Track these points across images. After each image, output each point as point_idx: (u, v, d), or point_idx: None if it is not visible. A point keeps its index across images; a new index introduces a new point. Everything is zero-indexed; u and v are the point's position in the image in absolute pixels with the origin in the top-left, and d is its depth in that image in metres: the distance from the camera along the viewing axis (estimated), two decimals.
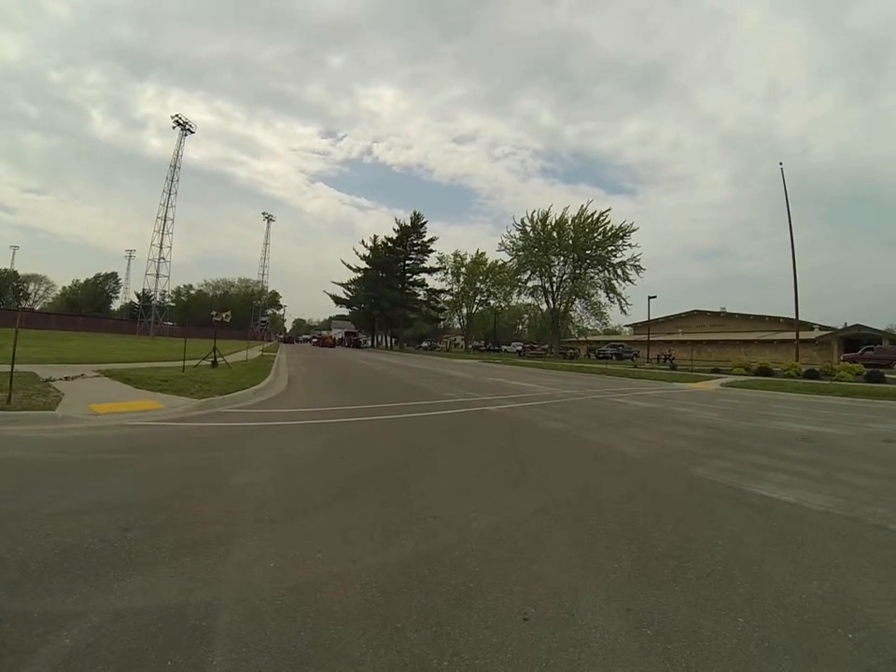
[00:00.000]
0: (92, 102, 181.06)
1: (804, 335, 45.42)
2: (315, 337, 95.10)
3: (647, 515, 4.49)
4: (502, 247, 68.96)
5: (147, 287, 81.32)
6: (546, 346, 67.81)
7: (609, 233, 61.02)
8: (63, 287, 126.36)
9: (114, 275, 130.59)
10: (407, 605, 2.77)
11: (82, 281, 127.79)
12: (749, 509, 4.78)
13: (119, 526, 3.62)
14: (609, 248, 61.37)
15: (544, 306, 70.74)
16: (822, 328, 61.02)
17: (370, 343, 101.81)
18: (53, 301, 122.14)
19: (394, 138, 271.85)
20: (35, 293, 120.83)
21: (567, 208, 65.31)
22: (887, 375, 23.40)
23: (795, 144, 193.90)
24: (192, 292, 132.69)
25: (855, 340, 51.36)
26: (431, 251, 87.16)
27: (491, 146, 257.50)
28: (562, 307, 65.99)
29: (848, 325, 57.09)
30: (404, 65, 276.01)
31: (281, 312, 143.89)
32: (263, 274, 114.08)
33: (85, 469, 5.27)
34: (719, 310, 75.89)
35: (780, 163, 37.68)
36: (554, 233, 64.12)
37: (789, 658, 2.40)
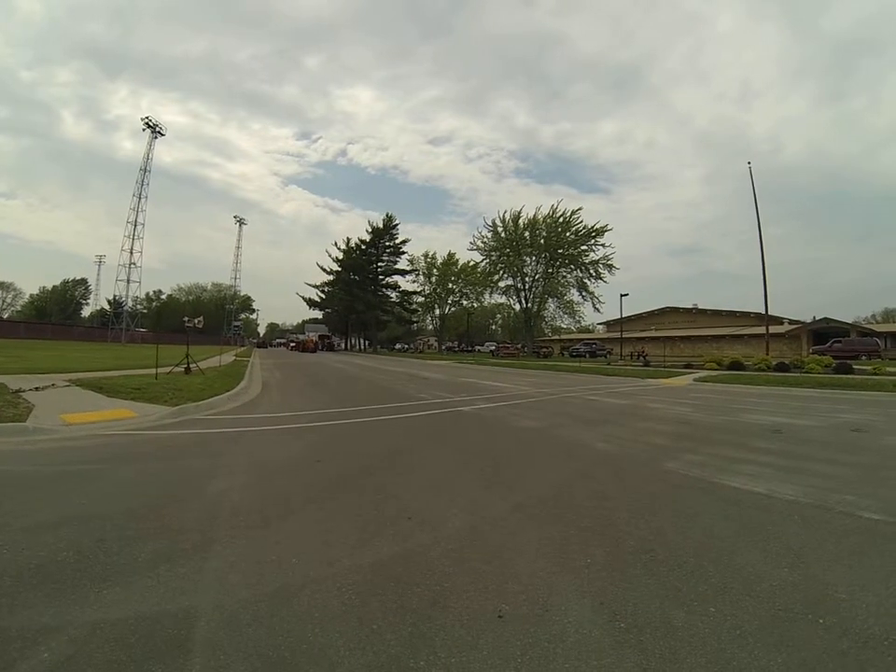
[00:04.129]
0: (63, 102, 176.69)
1: (774, 329, 46.21)
2: (292, 341, 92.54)
3: (620, 511, 4.55)
4: (473, 247, 69.08)
5: (118, 294, 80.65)
6: (520, 346, 67.97)
7: (582, 233, 61.41)
8: (31, 295, 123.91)
9: (83, 281, 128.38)
10: (383, 606, 2.78)
11: (50, 287, 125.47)
12: (721, 501, 4.87)
13: (95, 538, 3.59)
14: (582, 248, 61.75)
15: (517, 306, 71.04)
16: (792, 322, 62.06)
17: (343, 345, 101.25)
18: (21, 309, 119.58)
19: (369, 140, 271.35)
20: (3, 301, 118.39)
21: (539, 208, 65.63)
22: (854, 367, 23.83)
23: (767, 143, 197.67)
24: (164, 298, 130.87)
25: (824, 333, 52.38)
26: (403, 253, 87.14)
27: (466, 147, 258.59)
28: (535, 306, 66.27)
29: (817, 318, 58.16)
30: (381, 66, 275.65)
31: (254, 316, 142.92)
32: (236, 279, 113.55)
33: (58, 480, 5.19)
34: (691, 306, 76.92)
35: (748, 162, 38.31)
36: (526, 233, 64.37)
37: (761, 645, 2.45)
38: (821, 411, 12.17)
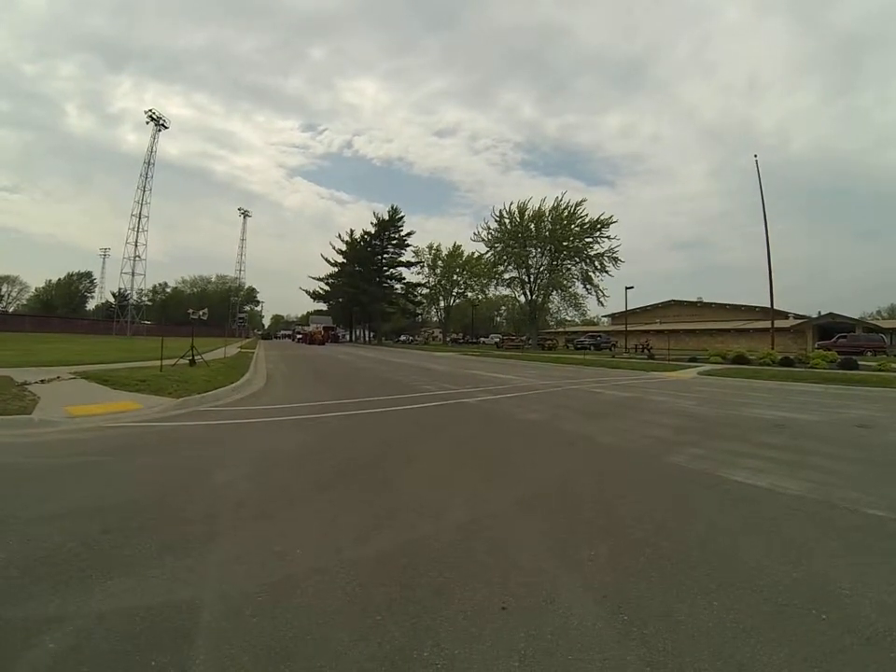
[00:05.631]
0: (67, 95, 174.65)
1: (779, 324, 45.96)
2: (298, 332, 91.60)
3: (623, 504, 4.55)
4: (478, 238, 68.71)
5: (122, 286, 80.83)
6: (524, 338, 67.76)
7: (587, 225, 61.08)
8: (37, 288, 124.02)
9: (88, 274, 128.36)
10: (387, 597, 2.79)
11: (55, 281, 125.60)
12: (724, 495, 4.87)
13: (99, 529, 3.60)
14: (587, 240, 61.44)
15: (522, 298, 70.71)
16: (797, 316, 61.73)
17: (348, 337, 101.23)
18: (27, 303, 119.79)
19: (374, 132, 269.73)
20: (8, 295, 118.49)
21: (543, 199, 65.10)
22: (860, 362, 23.74)
23: (774, 137, 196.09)
24: (169, 290, 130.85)
25: (829, 328, 52.09)
26: (408, 245, 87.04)
27: (472, 139, 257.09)
28: (539, 299, 66.01)
29: (822, 313, 57.86)
30: (386, 58, 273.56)
31: (259, 308, 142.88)
32: (240, 271, 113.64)
33: (63, 472, 5.22)
34: (696, 300, 76.51)
35: (755, 155, 38.09)
36: (531, 225, 64.04)
37: (763, 640, 2.45)
38: (826, 406, 12.14)
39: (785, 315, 59.30)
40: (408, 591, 2.87)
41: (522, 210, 64.52)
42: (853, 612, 2.72)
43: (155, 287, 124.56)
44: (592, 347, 56.48)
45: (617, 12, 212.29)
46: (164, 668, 2.15)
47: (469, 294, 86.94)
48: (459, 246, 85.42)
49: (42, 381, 10.78)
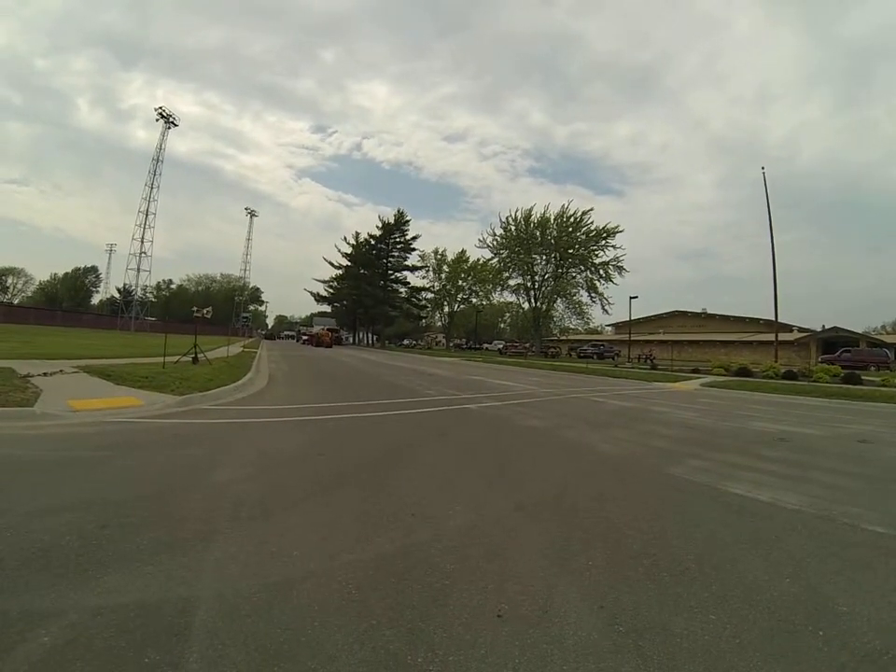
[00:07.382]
0: (78, 90, 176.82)
1: (783, 337, 45.94)
2: (304, 333, 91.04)
3: (622, 514, 4.54)
4: (483, 244, 68.89)
5: (127, 282, 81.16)
6: (528, 345, 67.81)
7: (592, 234, 61.19)
8: (42, 281, 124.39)
9: (94, 269, 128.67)
10: (382, 601, 2.79)
11: (61, 275, 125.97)
12: (724, 508, 4.85)
13: (98, 524, 3.60)
14: (592, 248, 61.54)
15: (526, 305, 70.87)
16: (801, 329, 61.68)
17: (351, 340, 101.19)
18: (32, 296, 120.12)
19: (384, 135, 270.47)
20: (14, 287, 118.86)
21: (547, 206, 65.30)
22: (863, 377, 23.70)
23: (783, 148, 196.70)
24: (174, 287, 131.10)
25: (833, 342, 52.07)
26: (414, 249, 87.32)
27: (481, 144, 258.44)
28: (544, 306, 66.08)
29: (827, 327, 57.83)
30: (397, 62, 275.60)
31: (263, 308, 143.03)
32: (245, 270, 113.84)
33: (63, 466, 5.22)
34: (700, 311, 76.56)
35: (762, 168, 38.03)
36: (537, 232, 64.16)
37: (760, 655, 2.43)
38: (828, 420, 12.11)
39: (789, 328, 59.28)
40: (404, 595, 2.87)
41: (527, 217, 64.67)
42: (850, 629, 2.70)
43: (160, 283, 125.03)
44: (595, 356, 56.42)
45: (629, 21, 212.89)
46: (158, 665, 2.15)
47: (474, 300, 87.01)
48: (465, 251, 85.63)
49: (45, 374, 10.80)
